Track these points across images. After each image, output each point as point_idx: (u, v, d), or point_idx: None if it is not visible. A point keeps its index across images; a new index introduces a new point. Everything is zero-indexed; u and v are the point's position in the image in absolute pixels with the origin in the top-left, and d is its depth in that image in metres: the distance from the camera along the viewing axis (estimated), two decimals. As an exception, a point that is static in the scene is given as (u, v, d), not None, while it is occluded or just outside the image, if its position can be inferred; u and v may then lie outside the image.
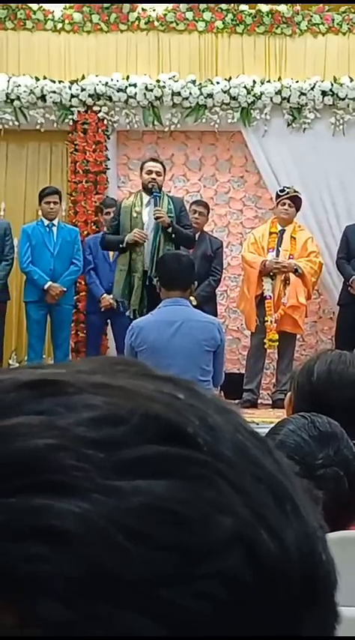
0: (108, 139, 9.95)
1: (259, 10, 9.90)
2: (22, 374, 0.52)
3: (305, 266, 8.81)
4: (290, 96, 9.79)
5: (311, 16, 9.92)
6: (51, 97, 9.81)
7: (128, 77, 9.86)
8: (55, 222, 9.02)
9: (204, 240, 9.07)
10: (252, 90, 9.80)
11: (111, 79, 9.85)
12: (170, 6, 9.91)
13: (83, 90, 9.83)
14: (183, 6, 9.91)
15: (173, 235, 7.64)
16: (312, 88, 9.79)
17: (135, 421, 0.48)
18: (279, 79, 9.88)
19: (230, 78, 9.84)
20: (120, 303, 8.02)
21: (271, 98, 9.80)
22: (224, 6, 9.90)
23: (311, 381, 2.53)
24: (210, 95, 9.79)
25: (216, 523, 0.47)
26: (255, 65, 9.94)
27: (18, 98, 9.79)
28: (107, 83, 9.83)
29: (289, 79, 9.85)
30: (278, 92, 9.80)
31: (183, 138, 10.14)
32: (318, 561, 0.51)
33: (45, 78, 9.85)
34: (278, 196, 9.05)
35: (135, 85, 9.81)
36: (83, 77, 9.88)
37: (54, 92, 9.82)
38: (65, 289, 8.90)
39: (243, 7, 9.90)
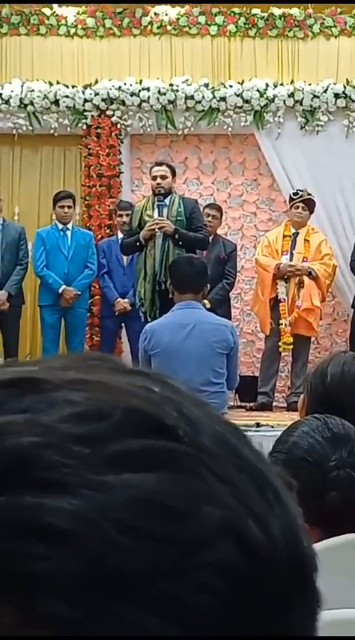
0: (122, 142, 9.97)
1: (271, 13, 9.91)
2: None
3: (319, 269, 8.81)
4: (303, 99, 9.79)
5: (324, 19, 9.92)
6: (64, 102, 9.84)
7: (141, 81, 9.89)
8: (69, 226, 9.04)
9: (218, 243, 9.07)
10: (265, 93, 9.80)
11: (125, 84, 9.87)
12: (183, 10, 9.92)
13: (96, 94, 9.86)
14: (195, 10, 9.92)
15: (180, 242, 7.60)
16: (325, 91, 9.79)
17: (117, 416, 0.49)
18: (292, 81, 9.88)
19: (243, 81, 9.85)
20: (137, 306, 7.99)
21: (284, 101, 9.80)
22: (236, 10, 9.91)
23: (325, 382, 2.53)
24: (223, 98, 9.80)
25: (205, 514, 0.47)
26: (268, 68, 9.94)
27: (31, 103, 9.82)
28: (120, 87, 9.85)
29: (302, 82, 9.85)
30: (291, 95, 9.80)
31: (197, 141, 10.15)
32: (302, 549, 0.51)
33: (58, 83, 9.88)
34: (291, 199, 9.05)
35: (148, 89, 9.83)
36: (96, 82, 9.90)
37: (67, 97, 9.85)
38: (79, 293, 8.92)
39: (256, 10, 9.90)
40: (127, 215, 8.67)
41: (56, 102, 9.84)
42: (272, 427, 6.57)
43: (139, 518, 0.46)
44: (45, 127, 9.90)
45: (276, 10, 9.90)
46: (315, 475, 2.04)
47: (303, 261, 8.84)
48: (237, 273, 9.34)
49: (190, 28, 9.96)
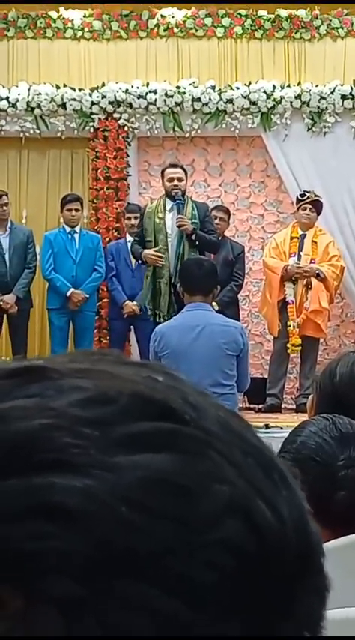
0: (129, 145, 9.98)
1: (278, 15, 9.91)
2: (3, 364, 0.53)
3: (326, 270, 8.80)
4: (309, 100, 9.79)
5: (330, 20, 9.92)
6: (71, 105, 9.85)
7: (148, 84, 9.89)
8: (77, 229, 9.06)
9: (226, 245, 9.06)
10: (272, 95, 9.80)
11: (132, 86, 9.88)
12: (189, 12, 9.93)
13: (103, 97, 9.87)
14: (202, 12, 9.93)
15: (197, 242, 7.65)
16: (332, 92, 9.79)
17: (123, 401, 0.50)
18: (299, 83, 9.88)
19: (249, 83, 9.85)
20: (145, 309, 8.04)
21: (291, 103, 9.80)
22: (243, 12, 9.91)
23: (333, 382, 2.53)
24: (230, 100, 9.81)
25: (214, 492, 0.48)
26: (275, 70, 9.95)
27: (39, 106, 9.84)
28: (127, 90, 9.86)
29: (309, 84, 9.85)
30: (298, 97, 9.80)
31: (204, 143, 10.16)
32: (310, 532, 0.52)
33: (65, 86, 9.90)
34: (298, 201, 9.05)
35: (155, 92, 9.84)
36: (103, 84, 9.91)
37: (74, 100, 9.86)
38: (87, 296, 8.93)
39: (262, 12, 9.91)
40: (135, 218, 8.68)
41: (63, 105, 9.86)
42: (281, 429, 6.57)
43: (150, 497, 0.47)
44: (52, 130, 9.91)
45: (283, 12, 9.90)
46: (323, 475, 2.03)
47: (311, 262, 8.84)
48: (245, 275, 9.33)
49: (197, 30, 9.97)
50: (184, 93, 9.83)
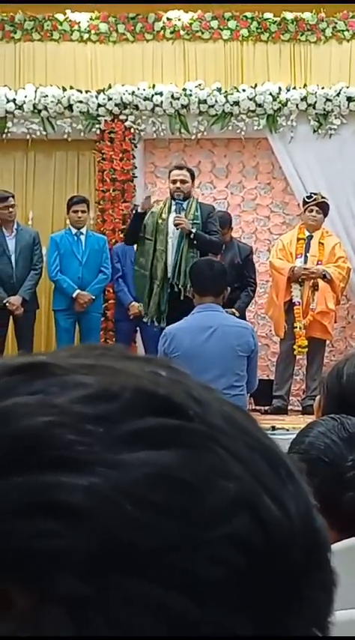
0: (135, 147, 9.98)
1: (284, 17, 9.91)
2: (6, 360, 0.53)
3: (333, 272, 8.80)
4: (315, 102, 9.79)
5: (336, 23, 9.91)
6: (78, 107, 9.86)
7: (154, 86, 9.90)
8: (83, 230, 9.07)
9: (233, 247, 9.05)
10: (278, 97, 9.81)
11: (138, 88, 9.88)
12: (195, 15, 9.93)
13: (110, 99, 9.88)
14: (208, 15, 9.94)
15: (195, 242, 7.64)
16: (338, 94, 9.79)
17: (127, 396, 0.50)
18: (305, 85, 9.88)
19: (255, 85, 9.85)
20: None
21: (297, 105, 9.80)
22: (249, 14, 9.91)
23: (341, 383, 2.52)
24: (236, 103, 9.81)
25: (220, 488, 0.48)
26: (281, 72, 9.95)
27: (45, 108, 9.85)
28: (133, 92, 9.87)
29: (314, 86, 9.85)
30: (304, 99, 9.80)
31: (210, 145, 10.16)
32: (317, 527, 0.52)
33: (72, 88, 9.90)
34: (305, 203, 9.05)
35: (161, 94, 9.85)
36: (110, 87, 9.92)
37: (81, 102, 9.87)
38: (94, 297, 8.94)
39: (268, 14, 9.91)
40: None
41: (70, 107, 9.86)
42: (288, 430, 6.57)
43: (155, 493, 0.47)
44: (58, 132, 9.92)
45: (289, 15, 9.90)
46: (332, 476, 2.03)
47: (317, 264, 8.84)
48: (255, 277, 9.32)
49: (203, 32, 9.97)
50: (190, 95, 9.83)
